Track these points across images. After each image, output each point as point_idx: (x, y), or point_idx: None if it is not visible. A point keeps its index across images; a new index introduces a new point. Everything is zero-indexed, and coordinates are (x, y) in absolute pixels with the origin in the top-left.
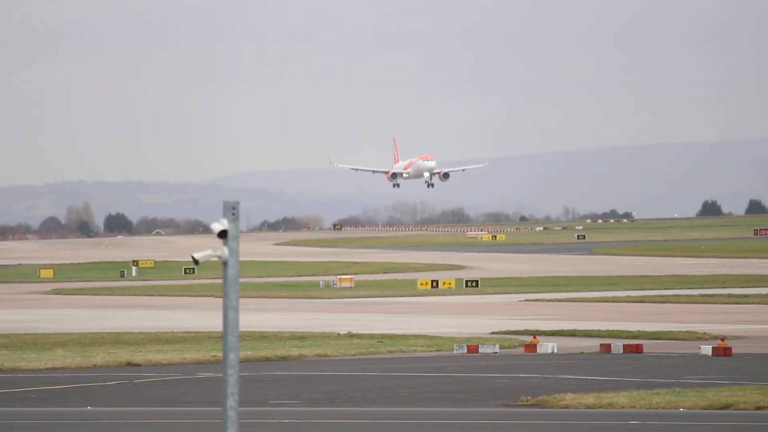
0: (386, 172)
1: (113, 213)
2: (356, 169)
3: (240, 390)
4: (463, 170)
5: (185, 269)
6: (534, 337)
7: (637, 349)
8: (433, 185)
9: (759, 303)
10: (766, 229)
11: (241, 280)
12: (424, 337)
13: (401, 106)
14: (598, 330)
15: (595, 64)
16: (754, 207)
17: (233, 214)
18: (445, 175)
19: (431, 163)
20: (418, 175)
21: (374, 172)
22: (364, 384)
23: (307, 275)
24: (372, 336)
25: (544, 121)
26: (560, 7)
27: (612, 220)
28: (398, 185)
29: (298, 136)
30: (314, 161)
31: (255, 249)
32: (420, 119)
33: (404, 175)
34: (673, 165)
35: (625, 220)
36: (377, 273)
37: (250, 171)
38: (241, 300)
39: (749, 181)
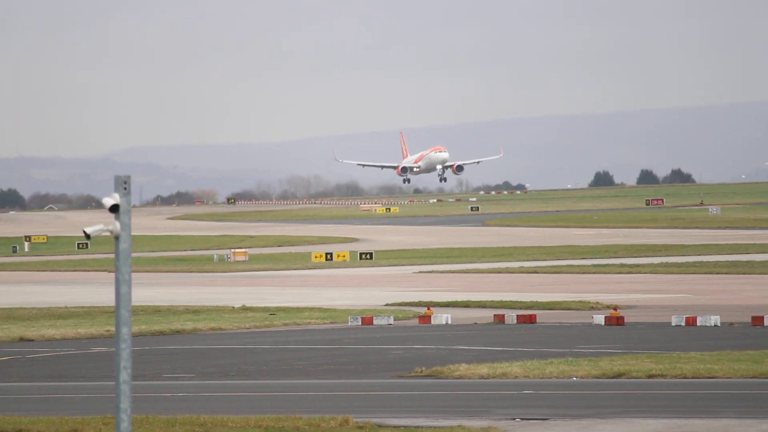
0: (395, 167)
1: (5, 189)
2: (363, 165)
3: (134, 364)
4: (478, 162)
5: (78, 244)
6: (428, 309)
7: (531, 320)
8: (446, 179)
9: (650, 272)
10: (657, 200)
11: (135, 254)
12: (319, 309)
13: (298, 78)
14: (492, 301)
15: (482, 35)
16: (646, 177)
17: (125, 189)
18: (459, 168)
19: (444, 155)
20: (430, 168)
21: (383, 167)
22: (258, 357)
23: (201, 249)
24: (266, 309)
25: (435, 93)
26: None
27: (505, 192)
28: (408, 180)
29: (191, 110)
30: (208, 135)
31: (148, 223)
32: (318, 91)
33: (415, 169)
34: (566, 136)
35: (518, 192)
36: (271, 246)
37: (143, 146)
38: (135, 274)
39: (641, 151)
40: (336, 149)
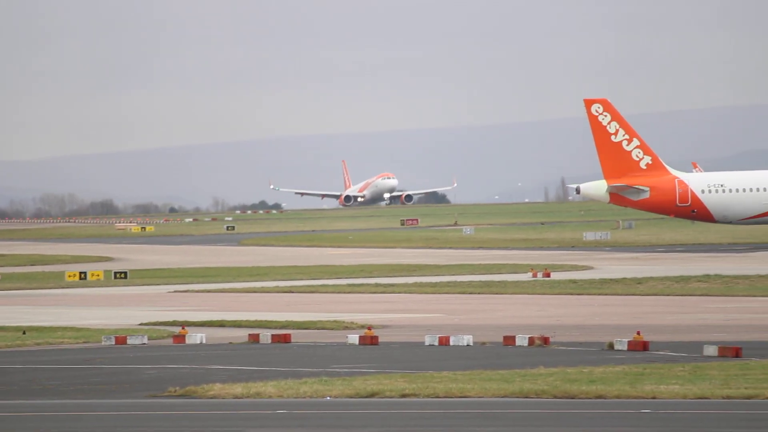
0: (338, 196)
1: None
2: (302, 194)
3: None
4: (427, 193)
5: None
6: (183, 328)
7: (285, 339)
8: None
9: (405, 292)
10: (412, 219)
11: None
12: (72, 329)
13: (53, 96)
14: (247, 320)
15: (256, 52)
16: (398, 197)
17: None
18: (408, 198)
19: (392, 182)
20: (376, 196)
21: (323, 196)
22: (10, 377)
23: None
24: (18, 328)
25: (191, 110)
26: None
27: (261, 212)
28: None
29: None
30: None
31: None
32: (74, 110)
33: (359, 198)
34: (322, 157)
35: (274, 212)
36: (24, 265)
37: None
38: None
39: (395, 171)
40: (90, 167)
